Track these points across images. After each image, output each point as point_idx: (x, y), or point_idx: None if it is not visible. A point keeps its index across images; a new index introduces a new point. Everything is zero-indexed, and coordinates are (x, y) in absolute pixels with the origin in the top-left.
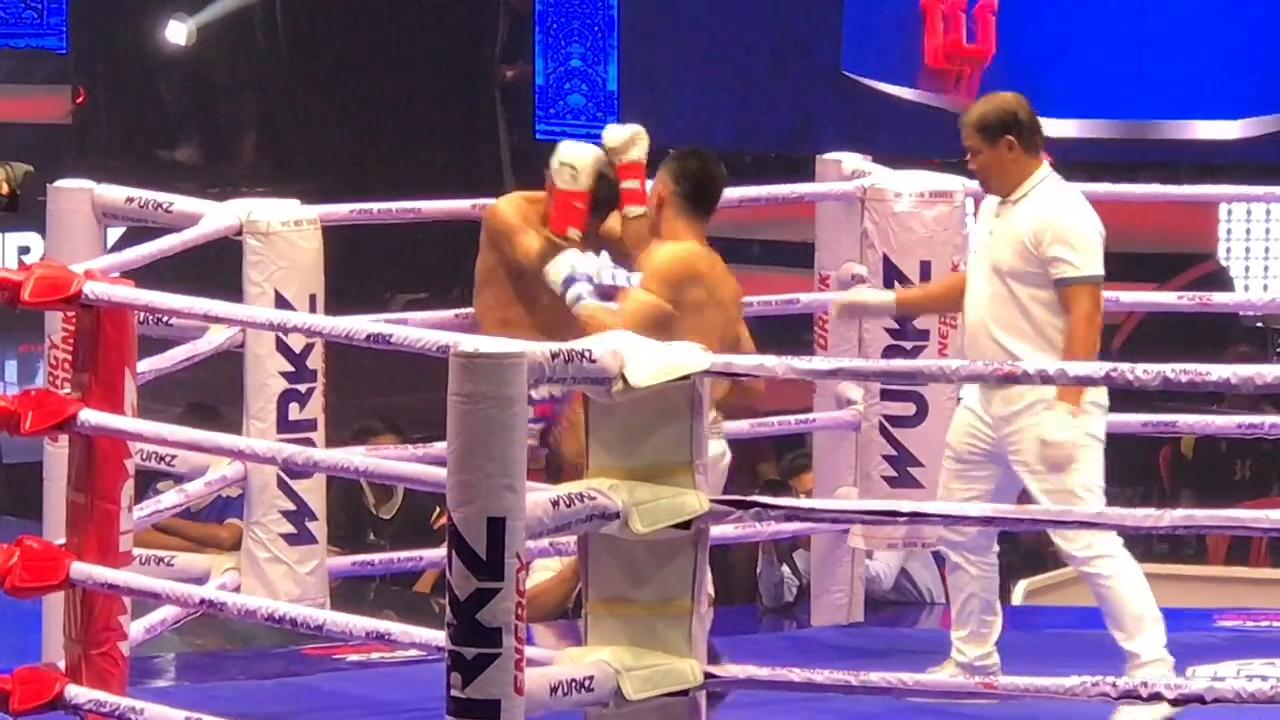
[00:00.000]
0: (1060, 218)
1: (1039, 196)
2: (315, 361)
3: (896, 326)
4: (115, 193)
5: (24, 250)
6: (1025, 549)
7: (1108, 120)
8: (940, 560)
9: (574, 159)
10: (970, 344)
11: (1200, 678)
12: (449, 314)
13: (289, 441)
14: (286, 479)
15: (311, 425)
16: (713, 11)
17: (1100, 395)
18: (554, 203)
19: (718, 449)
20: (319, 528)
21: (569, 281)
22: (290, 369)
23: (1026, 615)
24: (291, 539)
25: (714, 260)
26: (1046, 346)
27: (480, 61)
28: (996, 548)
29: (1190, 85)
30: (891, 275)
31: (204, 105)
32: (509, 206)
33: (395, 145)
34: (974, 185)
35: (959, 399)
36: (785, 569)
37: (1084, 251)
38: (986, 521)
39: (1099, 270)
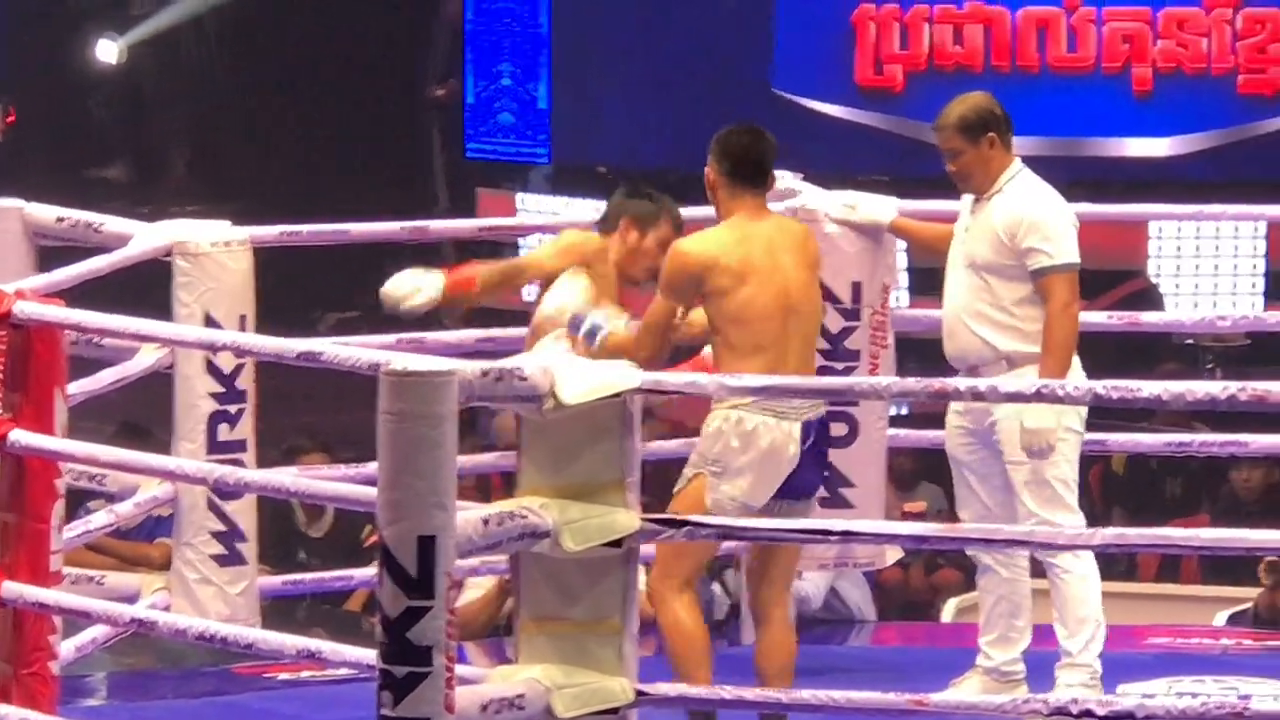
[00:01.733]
0: (1034, 210)
1: (1012, 190)
2: (245, 382)
3: (829, 347)
4: (46, 212)
5: None
6: (961, 565)
7: (1039, 137)
8: (871, 579)
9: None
10: (948, 337)
11: (1131, 695)
12: (391, 338)
13: (219, 462)
14: (216, 500)
15: (241, 446)
16: (644, 30)
17: (1081, 380)
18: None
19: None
20: (249, 549)
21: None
22: (220, 389)
23: (957, 632)
24: (222, 560)
25: (753, 233)
26: (1023, 338)
27: (415, 79)
28: (1024, 565)
29: (1121, 103)
30: (823, 296)
31: (134, 124)
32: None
33: (329, 163)
34: (903, 204)
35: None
36: (716, 587)
37: (1058, 241)
38: (920, 540)
39: (1075, 259)
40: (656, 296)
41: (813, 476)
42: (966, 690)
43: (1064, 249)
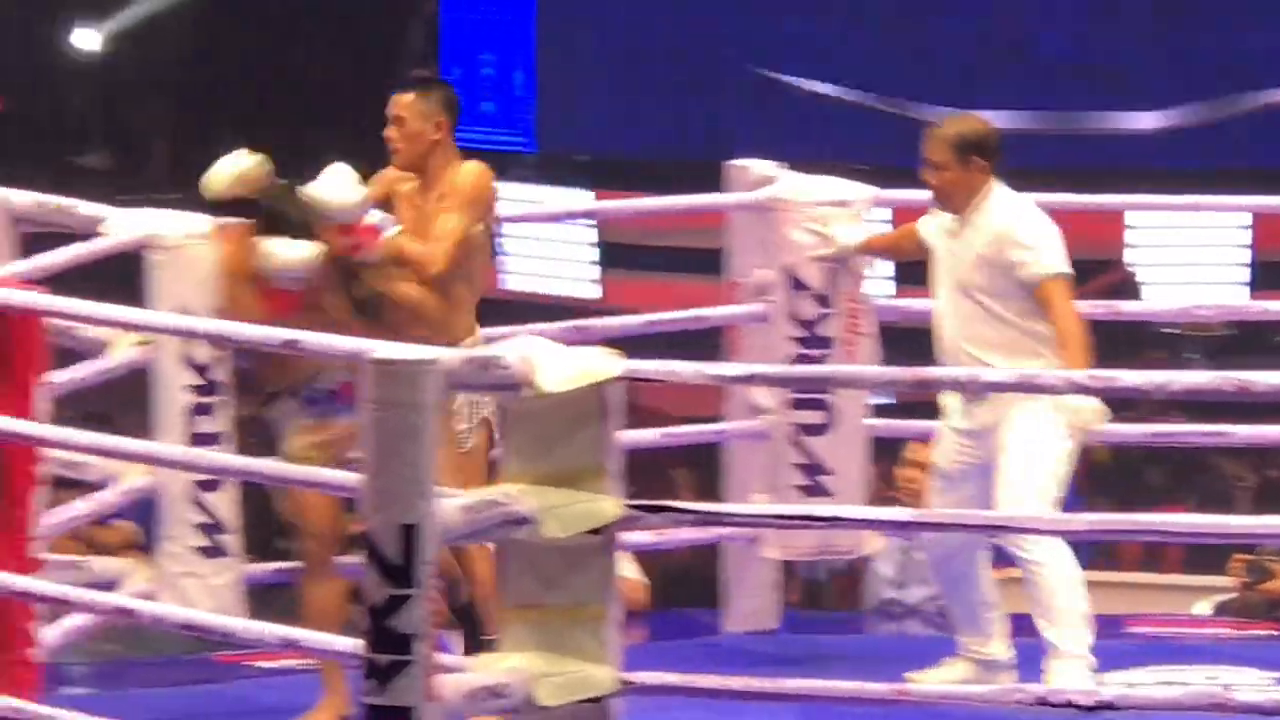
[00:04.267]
0: (1016, 225)
1: (991, 209)
2: (222, 374)
3: (804, 334)
4: (24, 198)
5: None
6: None
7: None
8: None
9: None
10: (951, 363)
11: (1113, 684)
12: None
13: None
14: (199, 491)
15: (219, 438)
16: (626, 18)
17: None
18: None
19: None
20: (232, 540)
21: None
22: (198, 381)
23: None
24: (206, 551)
25: None
26: (1028, 352)
27: (394, 70)
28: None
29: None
30: (795, 284)
31: (115, 111)
32: None
33: (309, 152)
34: (883, 193)
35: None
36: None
37: (1048, 250)
38: (902, 526)
39: (1067, 268)
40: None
41: None
42: (950, 674)
43: (1055, 257)
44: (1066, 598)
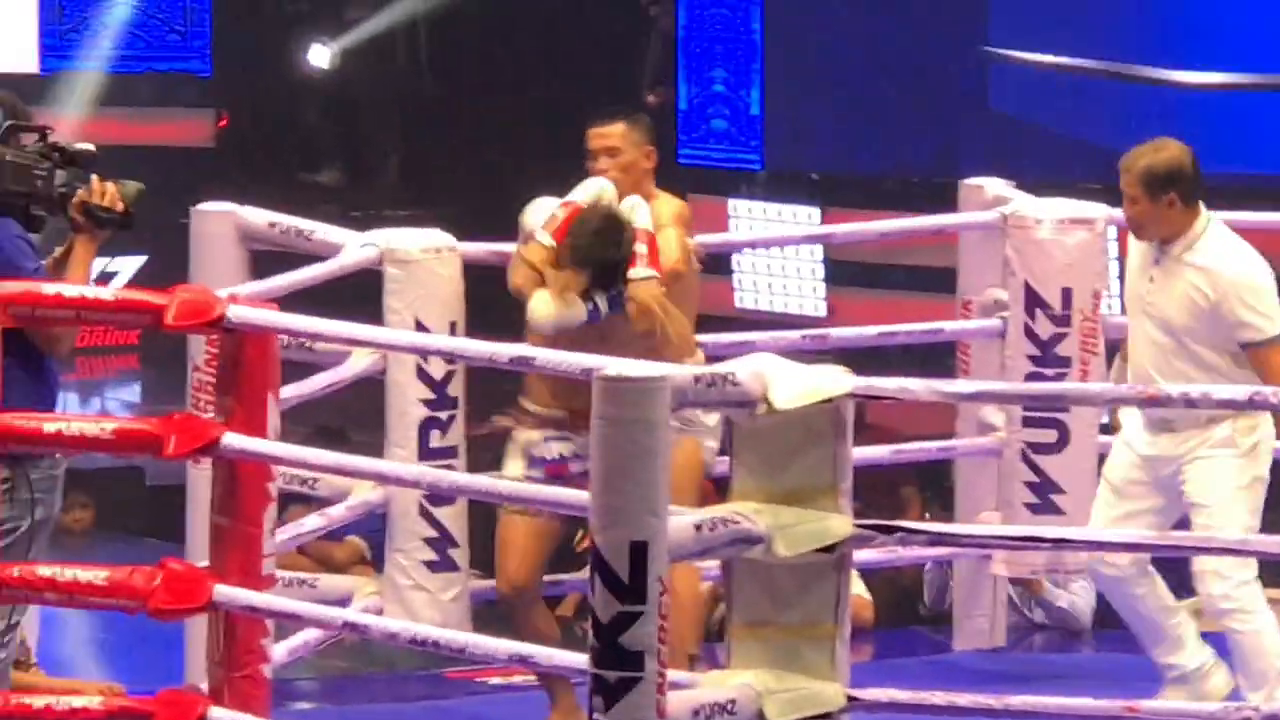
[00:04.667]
0: (1237, 278)
1: (1206, 250)
2: (456, 389)
3: (1038, 353)
4: (258, 216)
5: (108, 276)
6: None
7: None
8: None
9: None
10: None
11: None
12: None
13: (429, 467)
14: (428, 506)
15: (452, 452)
16: (855, 38)
17: (1270, 435)
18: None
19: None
20: (461, 555)
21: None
22: (431, 396)
23: None
24: (433, 566)
25: None
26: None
27: (628, 86)
28: (1151, 568)
29: None
30: (1033, 302)
31: (346, 128)
32: None
33: (540, 170)
34: (1115, 213)
35: (1112, 430)
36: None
37: (1268, 310)
38: (1130, 548)
39: None
40: None
41: None
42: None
43: (1274, 318)
44: (1267, 659)
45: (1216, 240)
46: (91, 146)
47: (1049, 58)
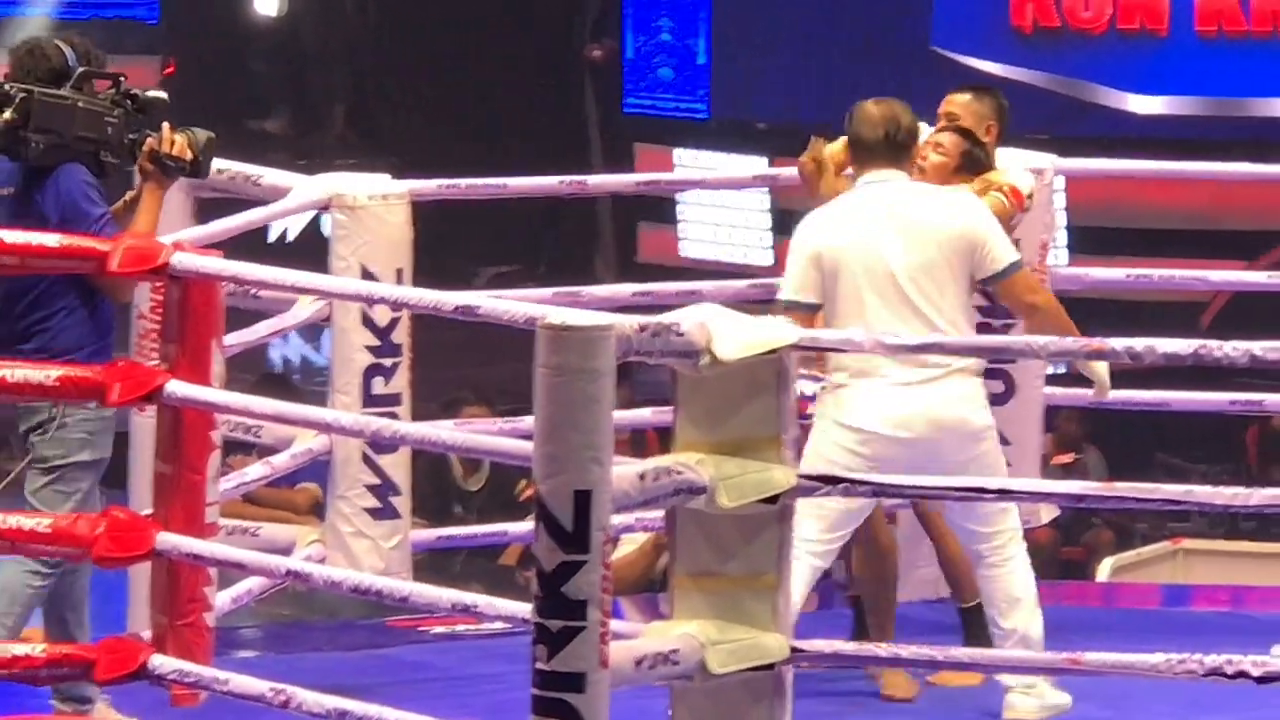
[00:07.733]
0: None
1: None
2: (400, 336)
3: (986, 304)
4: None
5: None
6: (1116, 526)
7: (1197, 97)
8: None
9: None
10: None
11: None
12: (548, 292)
13: (374, 415)
14: (371, 454)
15: (396, 400)
16: None
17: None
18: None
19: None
20: (403, 503)
21: None
22: (376, 343)
23: (1111, 592)
24: (376, 513)
25: None
26: None
27: (570, 36)
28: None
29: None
30: None
31: (294, 76)
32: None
33: (483, 119)
34: (1063, 163)
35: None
36: None
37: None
38: (1076, 499)
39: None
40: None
41: None
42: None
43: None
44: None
45: None
46: (164, 94)
47: (990, 64)
